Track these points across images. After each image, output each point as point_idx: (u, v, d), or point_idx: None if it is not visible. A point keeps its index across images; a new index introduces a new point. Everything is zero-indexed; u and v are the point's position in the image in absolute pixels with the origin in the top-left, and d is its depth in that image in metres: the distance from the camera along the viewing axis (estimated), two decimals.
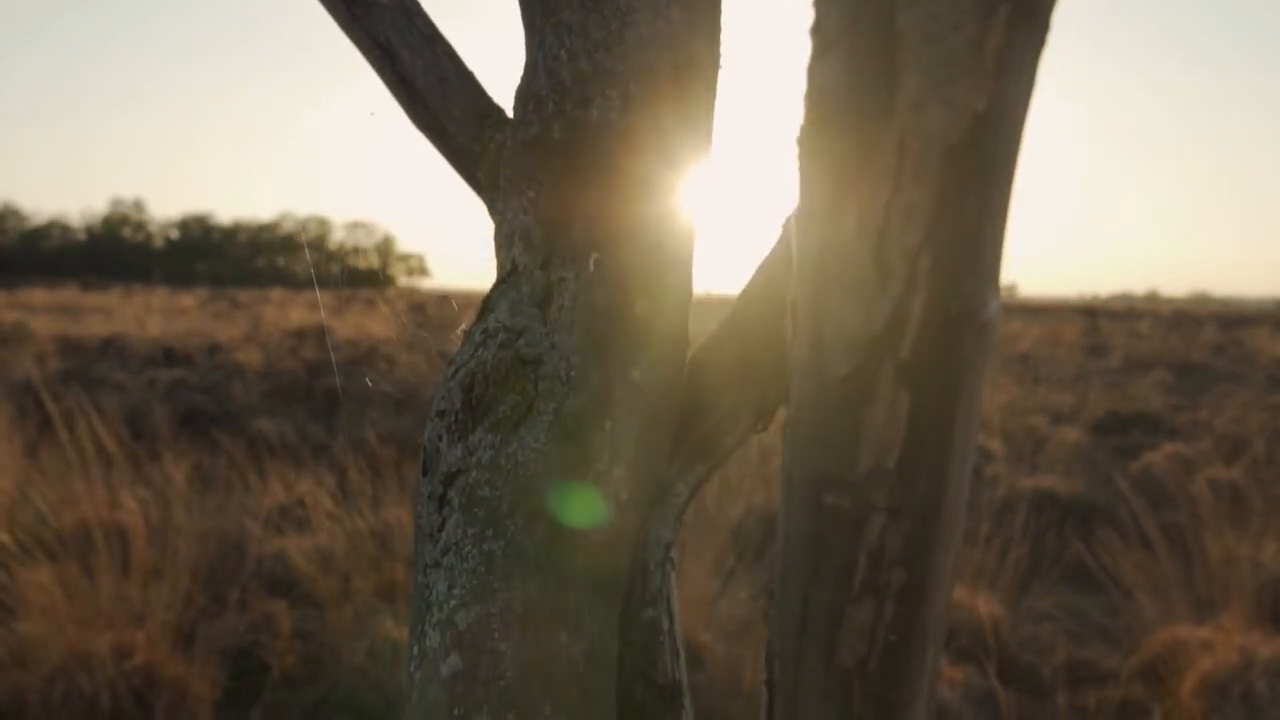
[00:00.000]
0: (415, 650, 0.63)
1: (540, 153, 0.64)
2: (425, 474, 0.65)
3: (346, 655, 3.20)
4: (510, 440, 0.62)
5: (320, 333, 12.64)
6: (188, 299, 25.99)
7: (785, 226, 0.63)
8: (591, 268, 0.64)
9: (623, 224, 0.64)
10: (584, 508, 0.61)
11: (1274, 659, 2.93)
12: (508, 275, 0.66)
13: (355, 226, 76.19)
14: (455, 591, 0.61)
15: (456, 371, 0.65)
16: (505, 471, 0.62)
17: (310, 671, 3.22)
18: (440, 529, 0.63)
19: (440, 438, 0.65)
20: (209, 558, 3.67)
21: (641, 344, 0.65)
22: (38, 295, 25.10)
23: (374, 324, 14.23)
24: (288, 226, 75.00)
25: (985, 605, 3.53)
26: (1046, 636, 3.55)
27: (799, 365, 0.37)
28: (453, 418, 0.64)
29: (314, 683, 3.17)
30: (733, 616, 3.28)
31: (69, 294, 26.99)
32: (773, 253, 0.65)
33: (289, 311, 18.90)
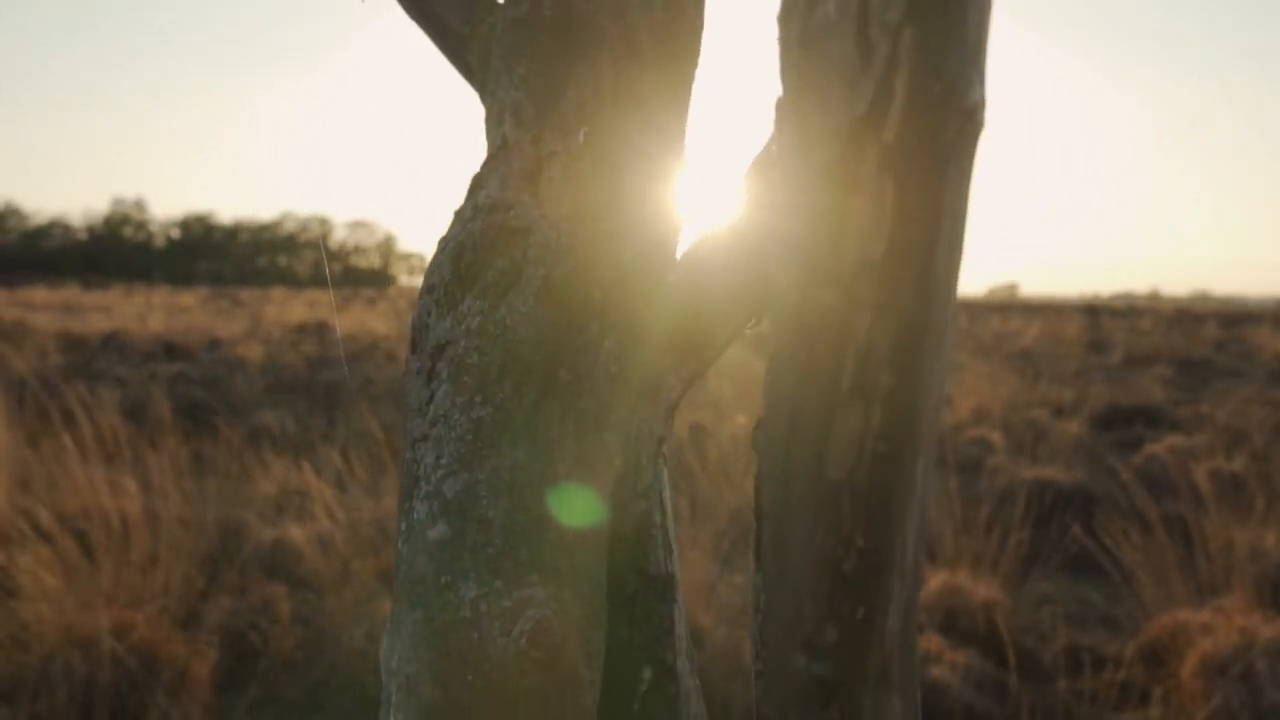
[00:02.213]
0: (403, 526, 0.63)
1: (531, 29, 0.65)
2: (414, 351, 0.65)
3: (346, 638, 3.20)
4: (499, 306, 0.62)
5: (321, 328, 12.66)
6: (189, 297, 26.03)
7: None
8: (581, 140, 0.64)
9: (613, 98, 0.64)
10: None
11: (1275, 639, 2.93)
12: (498, 151, 0.66)
13: (357, 226, 76.27)
14: (443, 461, 0.61)
15: (446, 245, 0.65)
16: (493, 337, 0.61)
17: (310, 655, 3.22)
18: (429, 403, 0.63)
19: (429, 313, 0.65)
20: (208, 544, 3.67)
21: (633, 219, 0.65)
22: (39, 294, 25.12)
23: (374, 320, 14.27)
24: (289, 226, 75.07)
25: (986, 590, 3.53)
26: (1047, 622, 3.55)
27: (784, 159, 0.36)
28: (441, 291, 0.64)
29: (314, 665, 3.17)
30: (732, 602, 3.29)
31: (70, 293, 27.02)
32: (766, 148, 0.65)
33: (290, 309, 18.93)
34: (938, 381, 0.40)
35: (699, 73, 0.68)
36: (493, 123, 0.68)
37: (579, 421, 0.62)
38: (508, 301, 0.62)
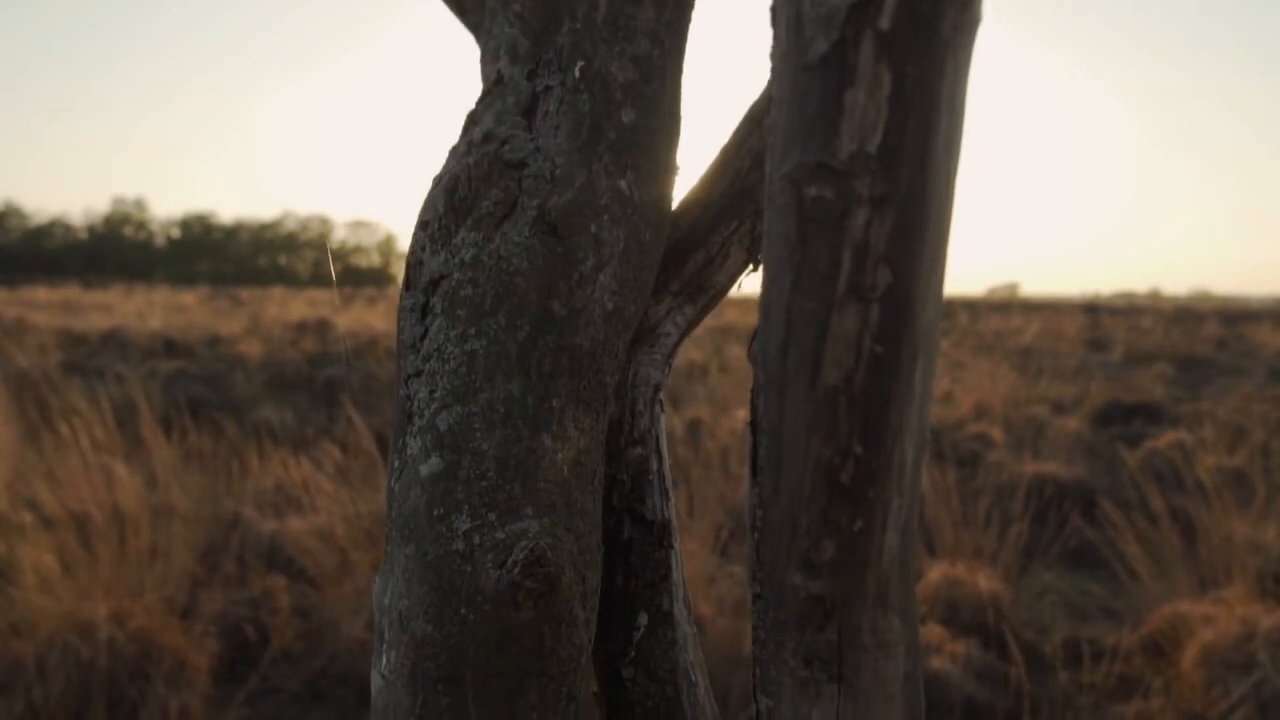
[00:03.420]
0: (395, 463, 0.62)
1: None
2: (407, 288, 0.64)
3: (345, 629, 3.20)
4: (493, 237, 0.61)
5: (321, 326, 12.66)
6: (189, 296, 26.03)
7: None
8: (578, 74, 0.63)
9: (610, 32, 0.64)
10: None
11: (1276, 629, 2.92)
12: (492, 87, 0.65)
13: (357, 225, 76.21)
14: (436, 395, 0.60)
15: (440, 180, 0.64)
16: (488, 268, 0.61)
17: (309, 645, 3.22)
18: (422, 338, 0.62)
19: (423, 248, 0.64)
20: (208, 536, 3.67)
21: (629, 154, 0.64)
22: (39, 293, 25.11)
23: (375, 318, 14.27)
24: (289, 225, 75.11)
25: (986, 582, 3.53)
26: (1048, 613, 3.54)
27: (778, 57, 0.36)
28: (435, 225, 0.63)
29: (313, 655, 3.16)
30: (731, 593, 3.29)
31: (70, 292, 27.00)
32: (764, 92, 0.64)
33: (290, 308, 18.94)
34: (937, 280, 0.39)
35: (697, 8, 0.67)
36: (487, 60, 0.67)
37: (574, 357, 0.61)
38: (502, 232, 0.61)
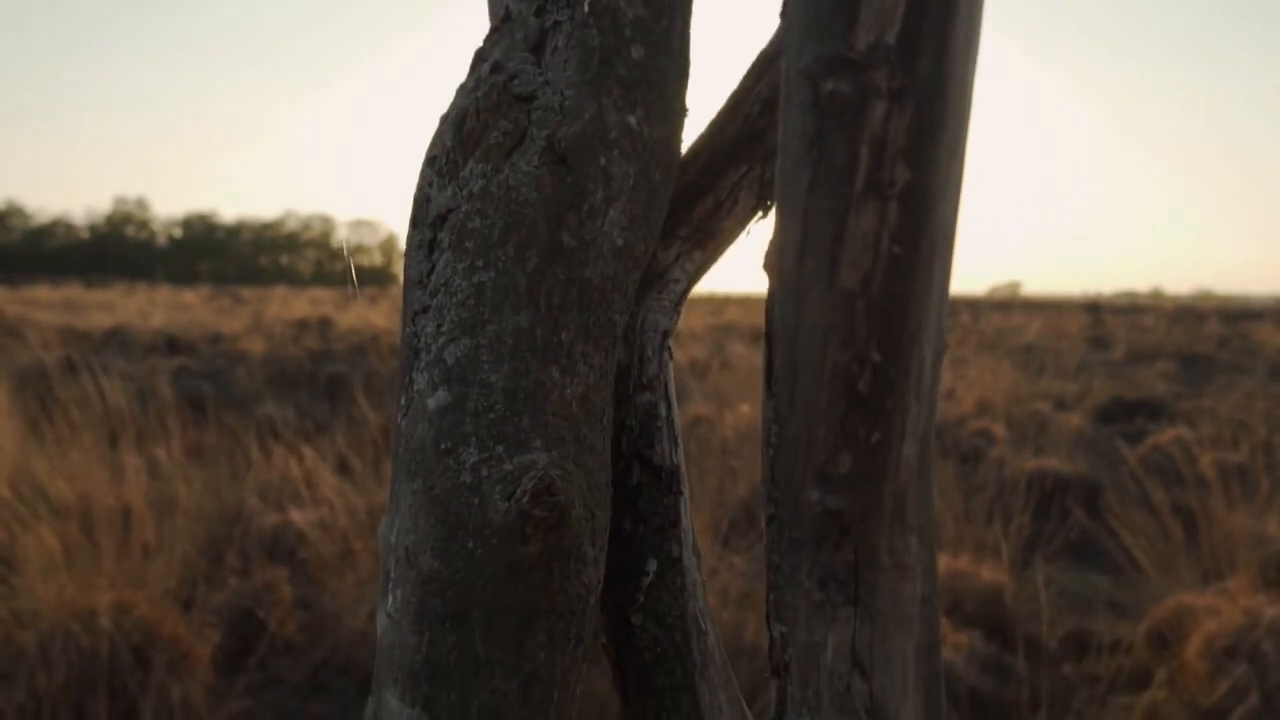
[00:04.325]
0: (402, 401, 0.61)
1: None
2: (414, 225, 0.64)
3: (348, 620, 3.19)
4: (502, 168, 0.60)
5: (322, 323, 12.67)
6: (191, 295, 26.05)
7: None
8: (586, 9, 0.62)
9: None
10: None
11: (1279, 619, 2.92)
12: (500, 24, 0.64)
13: (359, 224, 76.22)
14: (444, 329, 0.59)
15: (448, 116, 0.64)
16: (496, 199, 0.60)
17: (311, 637, 3.21)
18: (429, 274, 0.61)
19: (430, 184, 0.63)
20: (210, 528, 3.67)
21: (638, 91, 0.63)
22: (41, 292, 25.12)
23: (376, 316, 14.28)
24: (291, 225, 75.19)
25: (990, 574, 3.53)
26: (1051, 606, 3.54)
27: None
28: (443, 160, 0.62)
29: (315, 646, 3.16)
30: (733, 584, 3.28)
31: (72, 291, 27.00)
32: (773, 37, 0.63)
33: (292, 306, 18.95)
34: (956, 177, 0.37)
35: None
36: None
37: (583, 291, 0.60)
38: (511, 163, 0.60)
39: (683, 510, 0.68)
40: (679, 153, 0.68)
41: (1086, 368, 10.48)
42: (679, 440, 0.69)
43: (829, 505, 0.41)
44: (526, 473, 0.55)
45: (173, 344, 10.64)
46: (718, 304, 21.37)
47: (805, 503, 0.42)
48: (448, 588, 0.56)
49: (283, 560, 3.59)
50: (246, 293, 28.83)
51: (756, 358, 7.85)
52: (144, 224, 76.13)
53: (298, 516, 3.80)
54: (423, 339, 0.60)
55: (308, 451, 4.28)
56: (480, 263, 0.59)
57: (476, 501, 0.56)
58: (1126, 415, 7.71)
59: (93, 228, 74.07)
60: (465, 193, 0.61)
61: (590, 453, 0.60)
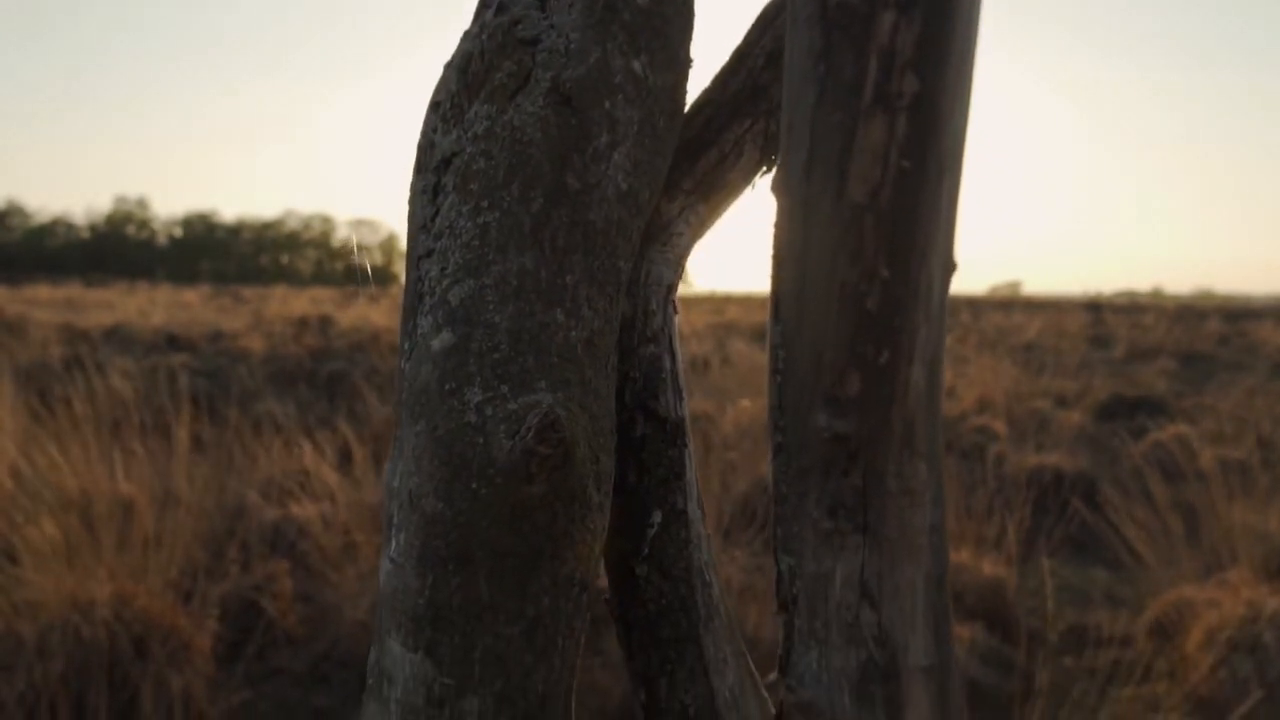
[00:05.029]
0: (406, 345, 0.61)
1: None
2: (418, 171, 0.63)
3: (349, 613, 3.19)
4: (506, 109, 0.60)
5: (322, 321, 12.67)
6: (191, 294, 26.06)
7: None
8: None
9: None
10: None
11: None
12: None
13: (359, 224, 76.23)
14: (448, 271, 0.59)
15: (453, 62, 0.63)
16: (501, 140, 0.60)
17: (312, 630, 3.21)
18: (434, 218, 0.61)
19: (434, 129, 0.63)
20: (211, 522, 3.66)
21: (643, 37, 0.63)
22: (42, 291, 25.12)
23: (377, 315, 14.28)
24: (291, 224, 75.23)
25: (990, 568, 3.52)
26: (1052, 599, 3.53)
27: None
28: (448, 104, 0.62)
29: (316, 639, 3.16)
30: (734, 577, 3.28)
31: (73, 290, 27.00)
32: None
33: (292, 305, 18.96)
34: (964, 90, 0.37)
35: None
36: None
37: (588, 234, 0.60)
38: (515, 104, 0.60)
39: (687, 463, 0.67)
40: (684, 102, 0.68)
41: (1087, 366, 10.49)
42: (684, 393, 0.68)
43: (837, 429, 0.40)
44: (531, 411, 0.55)
45: (173, 342, 10.65)
46: (718, 303, 21.39)
47: (813, 428, 0.41)
48: (451, 529, 0.55)
49: (284, 553, 3.59)
50: (247, 292, 28.84)
51: (757, 355, 7.86)
52: (144, 223, 76.19)
53: (298, 510, 3.80)
54: (427, 283, 0.60)
55: (308, 446, 4.28)
56: (485, 204, 0.59)
57: (481, 441, 0.55)
58: (1127, 413, 7.71)
59: (93, 227, 74.13)
60: (470, 134, 0.60)
61: (595, 397, 0.60)
